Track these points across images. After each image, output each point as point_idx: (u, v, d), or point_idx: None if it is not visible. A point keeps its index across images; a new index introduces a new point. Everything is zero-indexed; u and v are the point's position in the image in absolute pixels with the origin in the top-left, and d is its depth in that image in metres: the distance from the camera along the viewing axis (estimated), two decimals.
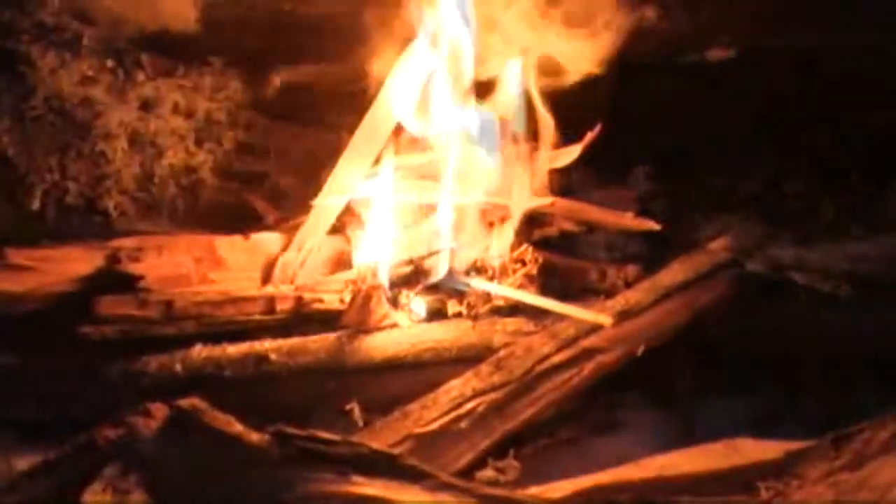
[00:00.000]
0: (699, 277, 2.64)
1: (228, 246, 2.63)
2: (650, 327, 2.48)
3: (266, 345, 2.31)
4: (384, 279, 2.48)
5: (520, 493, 1.88)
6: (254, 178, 3.19)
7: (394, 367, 2.34)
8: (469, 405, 2.16)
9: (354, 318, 2.41)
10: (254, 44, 3.21)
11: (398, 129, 2.67)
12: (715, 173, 3.51)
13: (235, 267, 2.59)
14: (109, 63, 3.01)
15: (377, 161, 2.68)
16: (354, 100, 2.77)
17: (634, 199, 3.27)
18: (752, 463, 1.94)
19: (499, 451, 2.21)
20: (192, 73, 3.14)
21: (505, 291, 2.54)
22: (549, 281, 2.70)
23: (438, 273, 2.56)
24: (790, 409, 2.44)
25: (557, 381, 2.30)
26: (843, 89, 3.42)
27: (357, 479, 1.64)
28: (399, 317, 2.46)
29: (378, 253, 2.54)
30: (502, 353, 2.31)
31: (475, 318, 2.48)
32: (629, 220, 2.94)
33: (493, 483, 2.13)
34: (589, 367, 2.34)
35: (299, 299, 2.48)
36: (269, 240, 2.70)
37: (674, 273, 2.64)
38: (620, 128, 2.90)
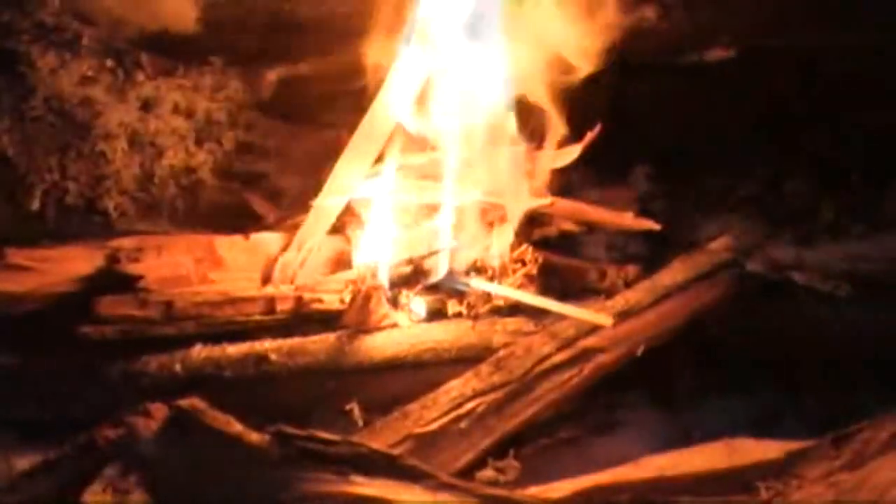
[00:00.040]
0: (699, 277, 2.64)
1: (228, 246, 2.63)
2: (650, 327, 2.48)
3: (266, 345, 2.31)
4: (384, 279, 2.48)
5: (520, 493, 1.88)
6: (254, 178, 3.19)
7: (394, 367, 2.34)
8: (469, 405, 2.16)
9: (354, 318, 2.41)
10: (254, 44, 3.21)
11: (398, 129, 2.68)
12: (715, 173, 3.50)
13: (235, 267, 2.59)
14: (109, 63, 3.01)
15: (377, 161, 2.68)
16: (354, 100, 2.76)
17: (634, 199, 3.27)
18: (752, 463, 1.94)
19: (499, 451, 2.22)
20: (192, 73, 3.14)
21: (505, 291, 2.54)
22: (549, 281, 2.70)
23: (438, 273, 2.56)
24: (790, 409, 2.44)
25: (557, 382, 2.30)
26: (843, 89, 3.42)
27: (357, 479, 1.64)
28: (399, 317, 2.46)
29: (378, 253, 2.54)
30: (502, 353, 2.31)
31: (475, 318, 2.48)
32: (629, 220, 2.94)
33: (493, 483, 2.13)
34: (589, 367, 2.35)
35: (299, 299, 2.48)
36: (269, 240, 2.70)
37: (674, 273, 2.64)
38: (620, 128, 2.90)
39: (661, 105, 3.43)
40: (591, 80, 2.71)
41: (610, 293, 2.64)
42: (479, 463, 2.18)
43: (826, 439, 1.88)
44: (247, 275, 2.57)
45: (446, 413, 2.13)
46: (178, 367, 2.24)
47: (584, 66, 2.66)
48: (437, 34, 2.62)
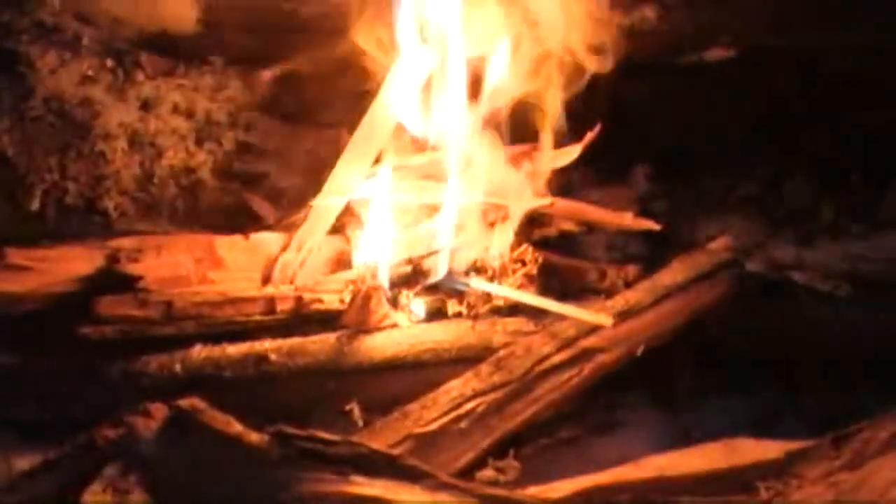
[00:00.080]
0: (699, 277, 2.64)
1: (228, 246, 2.63)
2: (650, 327, 2.48)
3: (266, 345, 2.31)
4: (384, 279, 2.48)
5: (520, 493, 1.88)
6: (254, 179, 3.18)
7: (393, 367, 2.34)
8: (469, 405, 2.16)
9: (354, 318, 2.41)
10: (254, 44, 3.21)
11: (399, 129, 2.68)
12: (715, 173, 3.50)
13: (235, 267, 2.58)
14: (109, 63, 3.01)
15: (377, 161, 2.68)
16: (354, 100, 2.76)
17: (634, 199, 3.27)
18: (752, 463, 1.95)
19: (499, 451, 2.22)
20: (192, 73, 3.14)
21: (505, 292, 2.54)
22: (549, 281, 2.70)
23: (438, 273, 2.56)
24: (790, 409, 2.44)
25: (557, 382, 2.30)
26: (843, 89, 3.41)
27: (357, 479, 1.64)
28: (399, 317, 2.45)
29: (378, 253, 2.54)
30: (502, 353, 2.31)
31: (475, 318, 2.48)
32: (629, 220, 2.94)
33: (493, 483, 2.13)
34: (589, 368, 2.35)
35: (299, 300, 2.48)
36: (269, 240, 2.70)
37: (674, 273, 2.64)
38: (620, 128, 2.90)
39: (661, 105, 3.43)
40: (591, 81, 2.70)
41: (610, 293, 2.63)
42: (479, 463, 2.18)
43: (826, 439, 1.88)
44: (247, 275, 2.57)
45: (446, 413, 2.13)
46: (177, 367, 2.24)
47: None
48: (436, 34, 2.62)
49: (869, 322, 2.62)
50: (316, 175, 2.73)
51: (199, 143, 3.13)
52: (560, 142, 2.84)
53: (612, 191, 3.31)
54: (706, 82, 3.42)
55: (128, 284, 2.39)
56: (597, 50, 2.67)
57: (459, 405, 2.15)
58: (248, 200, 3.10)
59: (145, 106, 3.06)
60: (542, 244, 2.82)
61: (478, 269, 2.62)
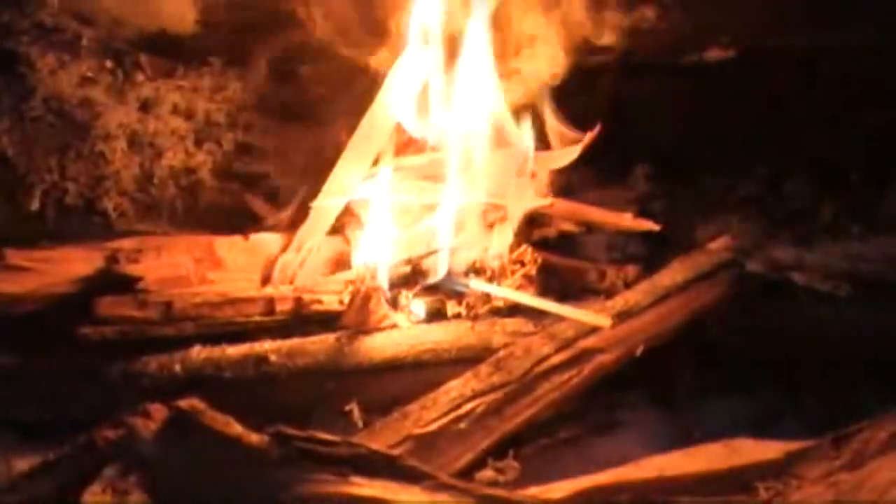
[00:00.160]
0: (699, 277, 2.64)
1: (228, 246, 2.63)
2: (650, 327, 2.48)
3: (265, 346, 2.31)
4: (383, 280, 2.48)
5: (520, 494, 1.88)
6: (253, 179, 3.18)
7: (393, 367, 2.34)
8: (468, 406, 2.16)
9: (354, 319, 2.41)
10: (254, 44, 3.21)
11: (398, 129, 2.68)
12: (715, 173, 3.50)
13: (235, 268, 2.59)
14: (109, 64, 3.01)
15: (377, 161, 2.68)
16: (354, 100, 2.76)
17: (634, 199, 3.27)
18: (752, 463, 1.95)
19: (498, 451, 2.21)
20: (192, 73, 3.14)
21: (504, 292, 2.54)
22: (549, 281, 2.70)
23: (437, 274, 2.56)
24: (790, 409, 2.44)
25: (557, 382, 2.30)
26: (843, 89, 3.42)
27: (356, 479, 1.64)
28: (398, 318, 2.45)
29: (377, 253, 2.54)
30: (501, 353, 2.31)
31: (474, 318, 2.48)
32: (628, 220, 2.94)
33: (493, 483, 2.13)
34: (588, 368, 2.34)
35: (299, 300, 2.48)
36: (268, 240, 2.70)
37: (674, 273, 2.64)
38: (620, 128, 2.90)
39: (661, 105, 3.43)
40: (592, 81, 2.71)
41: (609, 294, 2.63)
42: (479, 463, 2.18)
43: (826, 439, 1.88)
44: (246, 275, 2.57)
45: (446, 414, 2.13)
46: (177, 368, 2.24)
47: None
48: (436, 34, 2.62)
49: (869, 322, 2.62)
50: (316, 175, 2.73)
51: (198, 143, 3.13)
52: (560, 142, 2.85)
53: (612, 191, 3.31)
54: (706, 82, 3.42)
55: (127, 285, 2.39)
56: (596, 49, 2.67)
57: (459, 406, 2.15)
58: (248, 201, 3.10)
59: (145, 106, 3.06)
60: (541, 245, 2.82)
61: (477, 269, 2.62)
